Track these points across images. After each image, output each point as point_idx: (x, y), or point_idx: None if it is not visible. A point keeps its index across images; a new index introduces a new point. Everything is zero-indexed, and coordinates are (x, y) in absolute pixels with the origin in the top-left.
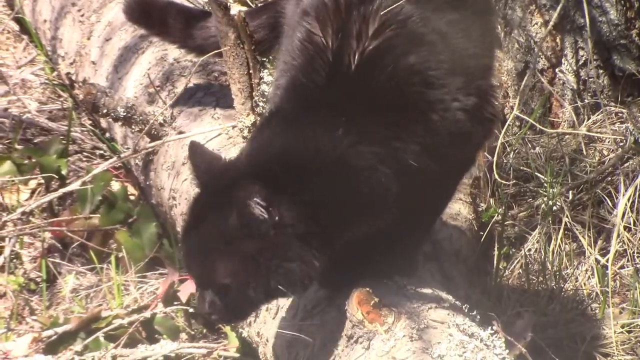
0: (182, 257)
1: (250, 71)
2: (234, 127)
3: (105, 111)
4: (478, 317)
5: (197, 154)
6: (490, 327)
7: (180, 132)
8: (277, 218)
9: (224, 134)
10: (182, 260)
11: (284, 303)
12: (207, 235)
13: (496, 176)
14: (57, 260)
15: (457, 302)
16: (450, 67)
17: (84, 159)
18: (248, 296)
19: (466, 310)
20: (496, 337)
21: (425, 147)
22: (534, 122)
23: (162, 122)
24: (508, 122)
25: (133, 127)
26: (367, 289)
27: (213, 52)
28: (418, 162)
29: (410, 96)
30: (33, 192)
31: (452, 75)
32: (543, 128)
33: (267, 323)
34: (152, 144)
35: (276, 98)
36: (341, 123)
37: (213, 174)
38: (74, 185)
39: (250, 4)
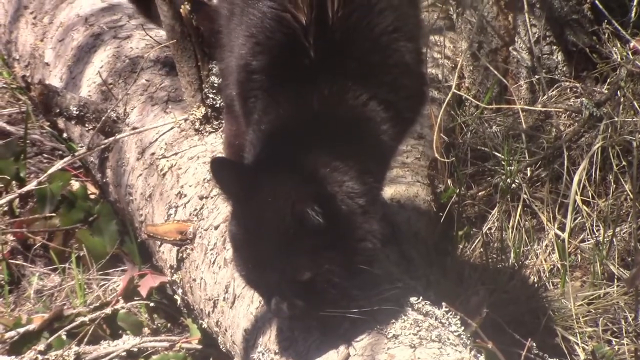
0: (241, 271)
1: (199, 63)
2: (185, 120)
3: (58, 110)
4: (432, 296)
5: (221, 170)
6: (444, 305)
7: (134, 128)
8: (337, 212)
9: (177, 127)
10: (242, 275)
11: (240, 292)
12: (271, 244)
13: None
14: (20, 262)
15: (412, 282)
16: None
17: (44, 160)
18: (331, 284)
19: (421, 290)
20: (451, 314)
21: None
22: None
23: (115, 118)
24: (448, 100)
25: (87, 125)
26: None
27: (160, 46)
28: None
29: (390, 53)
30: None
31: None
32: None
33: (224, 313)
34: (105, 140)
35: (255, 83)
36: (349, 88)
37: (246, 187)
38: (30, 186)
39: None
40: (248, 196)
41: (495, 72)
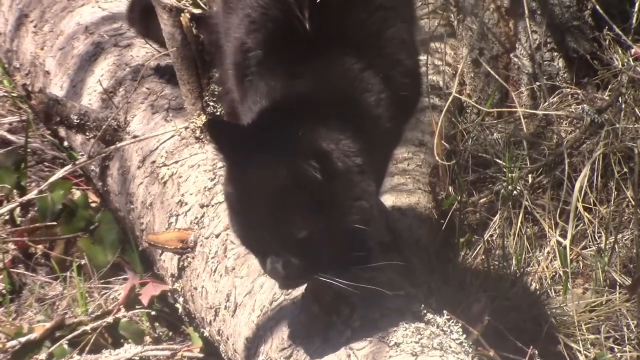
0: (237, 232)
1: (199, 71)
2: (186, 128)
3: (58, 119)
4: (434, 304)
5: (217, 129)
6: (445, 313)
7: (135, 137)
8: (333, 169)
9: (177, 135)
10: (238, 236)
11: (241, 301)
12: (266, 202)
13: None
14: (22, 271)
15: (413, 290)
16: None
17: (45, 169)
18: (327, 244)
19: (423, 298)
20: (453, 322)
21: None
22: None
23: (116, 127)
24: (448, 106)
25: (87, 133)
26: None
27: (161, 54)
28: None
29: (386, 26)
30: None
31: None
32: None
33: (226, 321)
34: (106, 149)
35: (251, 60)
36: (344, 57)
37: (242, 147)
38: (31, 195)
39: (204, 6)
40: (244, 156)
41: (497, 78)
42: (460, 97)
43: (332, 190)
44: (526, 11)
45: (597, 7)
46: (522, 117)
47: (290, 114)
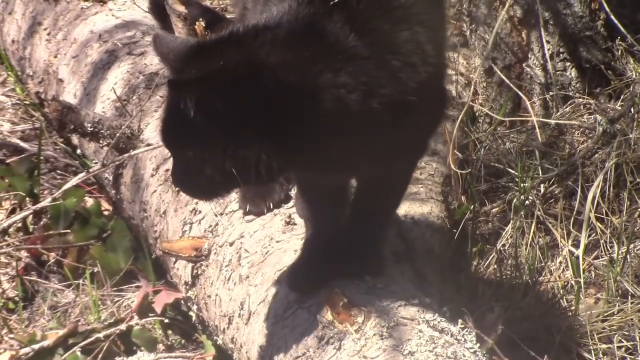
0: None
1: None
2: None
3: (72, 127)
4: (448, 312)
5: (161, 43)
6: (459, 322)
7: (148, 145)
8: (233, 112)
9: None
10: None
11: (255, 309)
12: (177, 115)
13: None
14: (35, 278)
15: (427, 299)
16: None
17: (58, 177)
18: (205, 173)
19: (436, 307)
20: (467, 331)
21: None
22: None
23: (129, 135)
24: (461, 117)
25: (101, 141)
26: (336, 289)
27: None
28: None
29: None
30: (11, 212)
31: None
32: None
33: (240, 329)
34: (119, 157)
35: None
36: (351, 29)
37: (179, 59)
38: (45, 202)
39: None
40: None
41: (512, 86)
42: (474, 105)
43: (226, 132)
44: (541, 21)
45: (612, 16)
46: (536, 125)
47: (251, 32)
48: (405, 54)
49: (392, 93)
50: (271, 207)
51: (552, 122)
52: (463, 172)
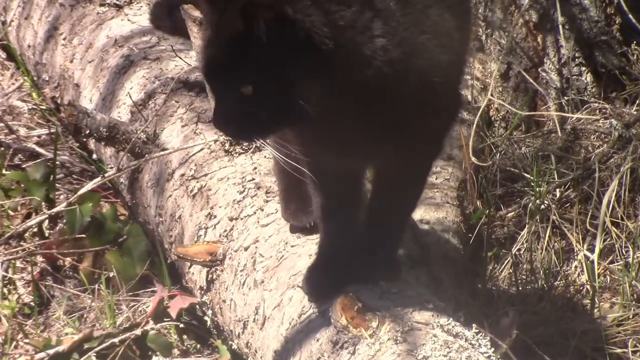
0: (201, 69)
1: None
2: (215, 141)
3: (87, 132)
4: (462, 317)
5: None
6: (474, 327)
7: (164, 149)
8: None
9: (206, 148)
10: (202, 72)
11: (270, 314)
12: (222, 51)
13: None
14: (50, 283)
15: (441, 303)
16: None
17: (74, 181)
18: (267, 109)
19: (451, 311)
20: (481, 336)
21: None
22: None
23: (145, 139)
24: (477, 119)
25: (117, 146)
26: (351, 294)
27: (190, 67)
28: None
29: None
30: (27, 217)
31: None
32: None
33: (254, 334)
34: (135, 162)
35: None
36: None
37: None
38: (60, 207)
39: None
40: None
41: (533, 82)
42: (495, 99)
43: (295, 63)
44: (560, 27)
45: (630, 16)
46: (556, 121)
47: None
48: (434, 33)
49: (423, 65)
50: (312, 224)
51: (573, 116)
52: (479, 176)
